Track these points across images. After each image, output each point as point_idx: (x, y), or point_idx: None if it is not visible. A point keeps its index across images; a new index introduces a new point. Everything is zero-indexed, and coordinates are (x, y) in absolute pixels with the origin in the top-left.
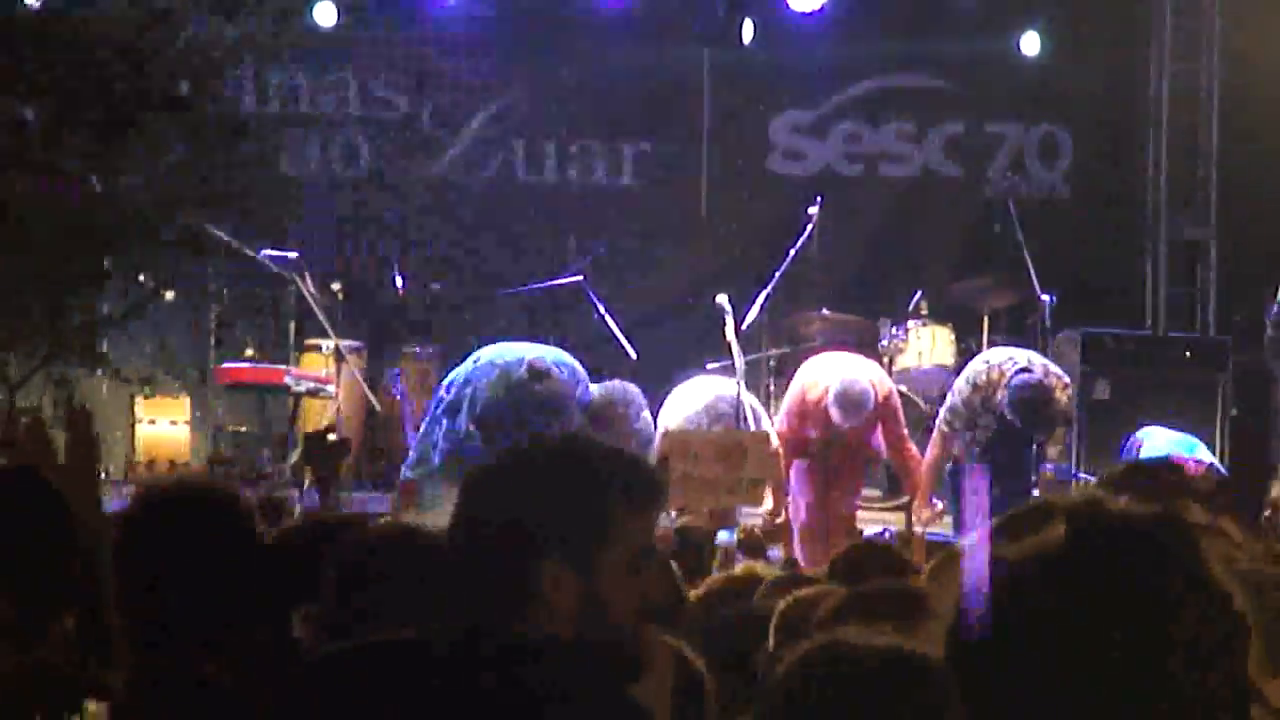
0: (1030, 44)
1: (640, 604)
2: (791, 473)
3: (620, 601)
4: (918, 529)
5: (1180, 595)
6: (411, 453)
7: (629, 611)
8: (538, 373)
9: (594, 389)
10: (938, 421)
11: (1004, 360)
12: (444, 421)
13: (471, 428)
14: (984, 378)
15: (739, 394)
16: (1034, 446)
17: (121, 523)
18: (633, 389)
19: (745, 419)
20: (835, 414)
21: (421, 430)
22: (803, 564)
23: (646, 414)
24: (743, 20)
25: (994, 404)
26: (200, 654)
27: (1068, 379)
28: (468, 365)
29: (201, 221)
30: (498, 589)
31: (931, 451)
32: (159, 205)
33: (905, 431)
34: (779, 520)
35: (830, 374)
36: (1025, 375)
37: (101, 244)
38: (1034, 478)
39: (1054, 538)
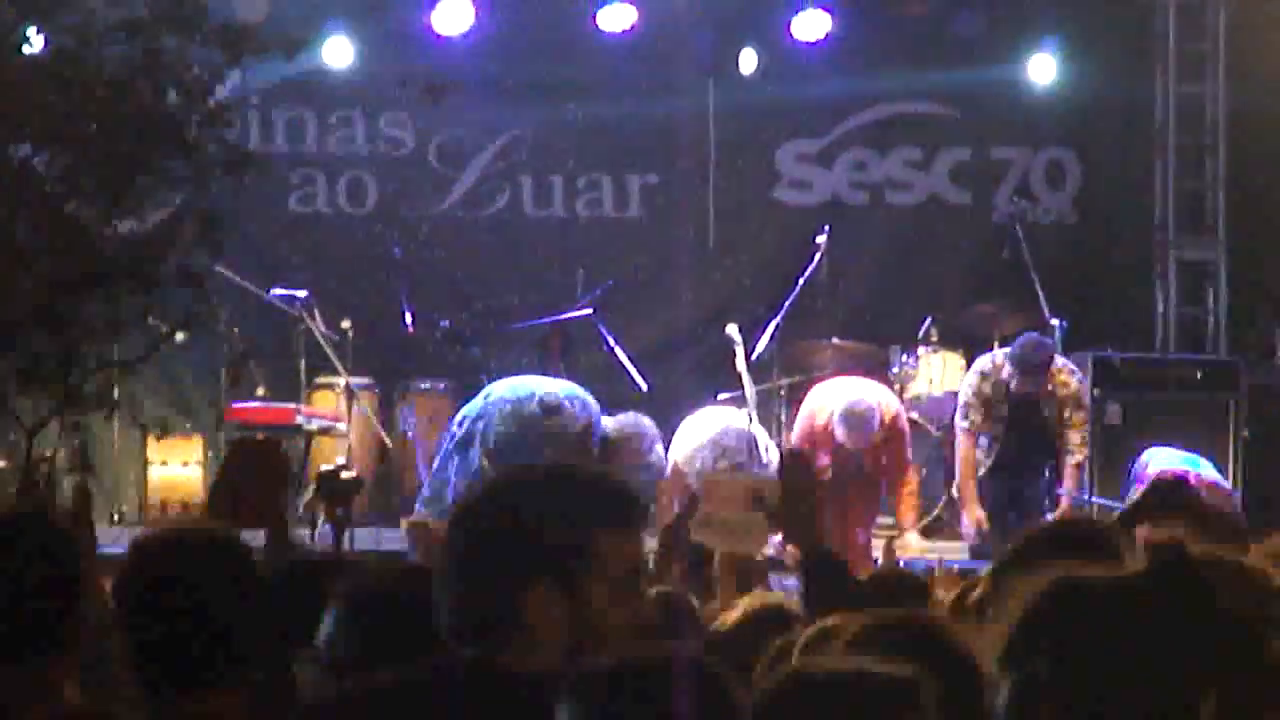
0: (1040, 69)
1: (631, 626)
2: None
3: (610, 624)
4: (927, 555)
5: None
6: (424, 489)
7: (619, 633)
8: (550, 407)
9: (607, 421)
10: (957, 423)
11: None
12: (456, 458)
13: (485, 463)
14: (990, 363)
15: (749, 425)
16: (1049, 471)
17: (121, 570)
18: (645, 421)
19: (755, 450)
20: (840, 432)
21: (434, 466)
22: None
23: (659, 446)
24: (740, 51)
25: (1003, 384)
26: (204, 695)
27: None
28: (479, 401)
29: (205, 260)
30: (487, 620)
31: (960, 451)
32: (166, 245)
33: (909, 455)
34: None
35: (837, 397)
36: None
37: (112, 288)
38: (1047, 501)
39: (1136, 568)
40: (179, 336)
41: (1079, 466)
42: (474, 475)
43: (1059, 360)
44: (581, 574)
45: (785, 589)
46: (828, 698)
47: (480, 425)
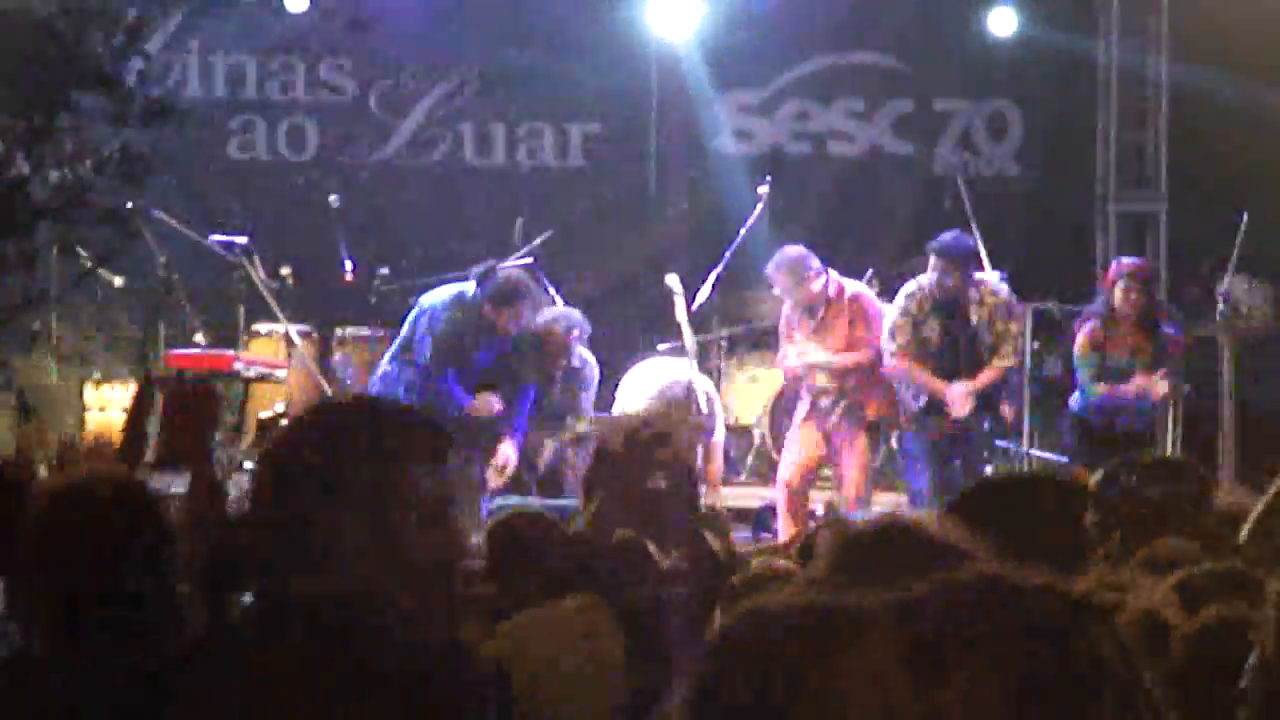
0: (1001, 22)
1: (440, 557)
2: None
3: (419, 554)
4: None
5: None
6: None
7: (428, 564)
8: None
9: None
10: (884, 348)
11: None
12: (405, 369)
13: (433, 351)
14: (915, 284)
15: (691, 376)
16: (988, 422)
17: (33, 519)
18: (575, 314)
19: (697, 401)
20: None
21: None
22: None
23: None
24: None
25: (928, 297)
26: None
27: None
28: (414, 311)
29: (133, 201)
30: (302, 549)
31: (898, 368)
32: (88, 185)
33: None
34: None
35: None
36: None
37: (30, 223)
38: (986, 453)
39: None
40: (117, 281)
41: (1005, 369)
42: (422, 368)
43: (986, 277)
44: (392, 507)
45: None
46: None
47: (424, 321)
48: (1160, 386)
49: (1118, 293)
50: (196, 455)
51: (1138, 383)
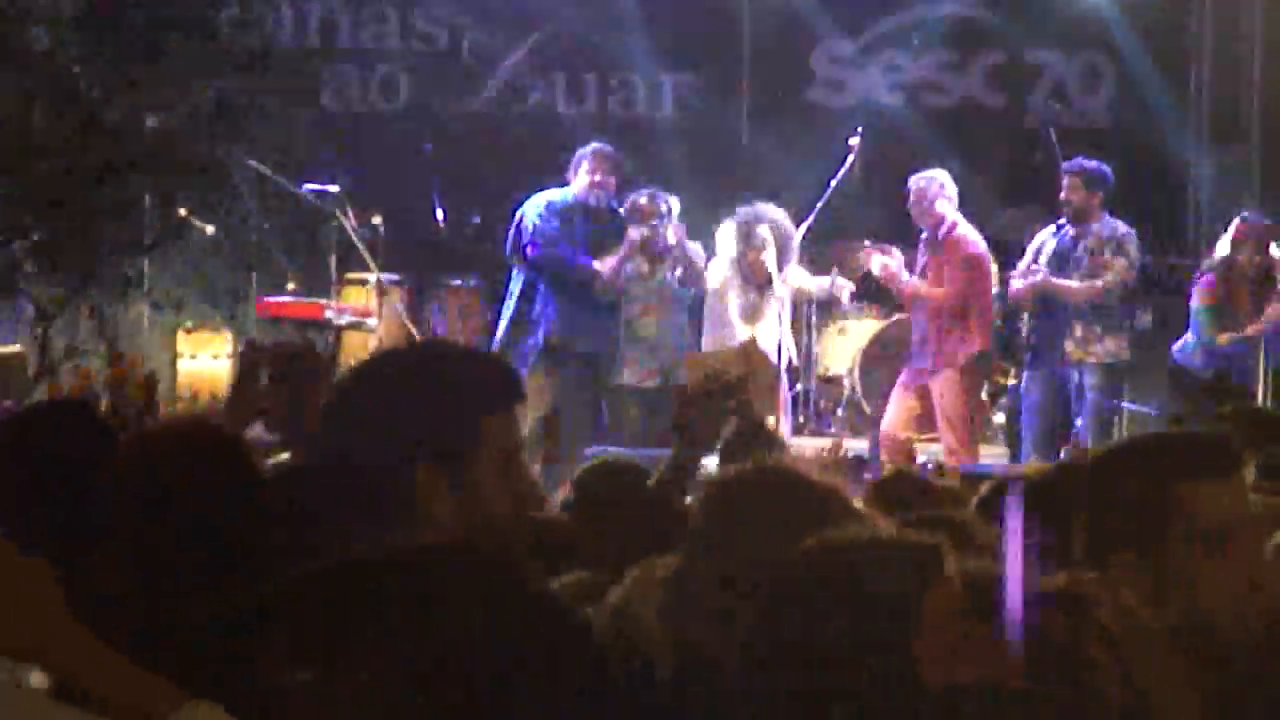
0: None
1: (513, 503)
2: None
3: (495, 502)
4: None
5: None
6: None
7: (504, 511)
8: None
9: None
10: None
11: None
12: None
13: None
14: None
15: (779, 327)
16: (1080, 375)
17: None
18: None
19: (788, 355)
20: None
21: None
22: None
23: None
24: None
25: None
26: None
27: None
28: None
29: (227, 150)
30: (376, 502)
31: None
32: (182, 134)
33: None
34: None
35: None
36: None
37: (127, 173)
38: (1076, 406)
39: None
40: (210, 230)
41: (1097, 289)
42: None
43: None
44: (468, 455)
45: None
46: (851, 566)
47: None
48: None
49: (1242, 251)
50: (299, 420)
51: (1269, 314)
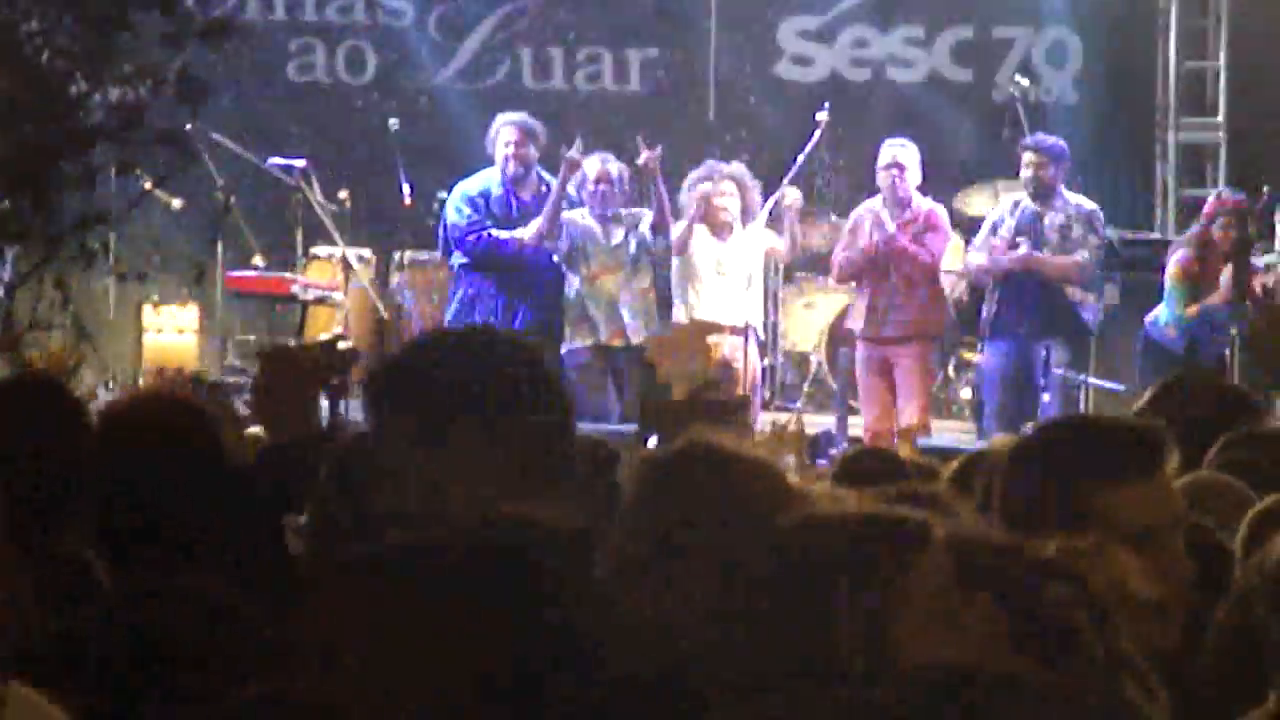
0: None
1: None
2: None
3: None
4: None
5: None
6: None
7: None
8: None
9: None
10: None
11: None
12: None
13: None
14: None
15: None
16: (1046, 350)
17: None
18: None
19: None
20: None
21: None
22: None
23: None
24: None
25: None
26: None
27: None
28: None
29: (192, 123)
30: (426, 476)
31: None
32: (146, 106)
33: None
34: None
35: None
36: None
37: (88, 143)
38: (1042, 381)
39: None
40: (175, 203)
41: (1079, 264)
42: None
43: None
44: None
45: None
46: (841, 539)
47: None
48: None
49: (1216, 227)
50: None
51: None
